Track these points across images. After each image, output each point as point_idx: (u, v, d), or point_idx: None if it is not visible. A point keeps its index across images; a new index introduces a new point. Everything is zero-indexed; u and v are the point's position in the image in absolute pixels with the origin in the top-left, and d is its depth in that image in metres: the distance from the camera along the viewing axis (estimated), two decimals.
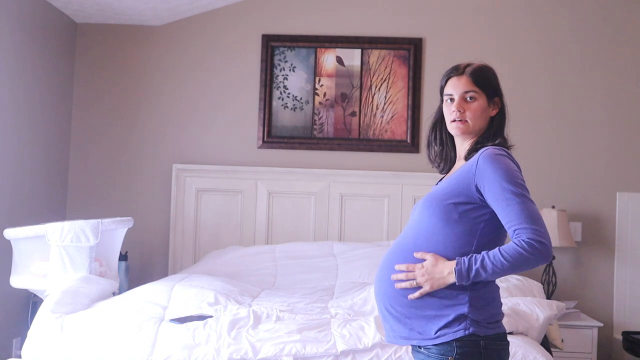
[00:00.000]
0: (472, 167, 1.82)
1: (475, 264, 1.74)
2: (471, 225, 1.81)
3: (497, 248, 1.76)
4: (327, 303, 3.23)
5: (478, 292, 1.79)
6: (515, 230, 1.74)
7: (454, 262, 1.77)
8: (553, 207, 4.18)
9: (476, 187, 1.80)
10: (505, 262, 1.72)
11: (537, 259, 1.71)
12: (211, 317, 2.78)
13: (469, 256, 1.77)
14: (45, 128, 4.24)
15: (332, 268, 3.91)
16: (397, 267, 1.83)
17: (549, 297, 4.08)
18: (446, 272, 1.76)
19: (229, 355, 2.48)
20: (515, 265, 1.72)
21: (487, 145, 1.86)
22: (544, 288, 3.98)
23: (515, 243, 1.72)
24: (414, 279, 1.80)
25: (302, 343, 2.52)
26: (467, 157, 1.89)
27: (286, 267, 3.93)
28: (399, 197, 4.36)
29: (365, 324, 2.65)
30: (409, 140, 4.41)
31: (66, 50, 4.48)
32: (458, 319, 1.77)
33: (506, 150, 1.85)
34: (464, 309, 1.77)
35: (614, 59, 4.40)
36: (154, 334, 2.61)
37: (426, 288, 1.78)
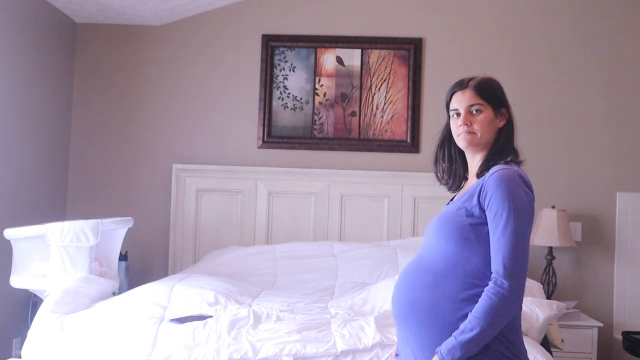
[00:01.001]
0: (481, 186, 1.78)
1: (453, 341, 1.69)
2: (488, 246, 1.75)
3: (469, 314, 1.70)
4: (327, 303, 3.23)
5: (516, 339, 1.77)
6: (493, 268, 1.71)
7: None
8: (553, 207, 4.18)
9: (480, 204, 1.77)
10: (481, 323, 1.67)
11: (505, 307, 1.67)
12: (211, 317, 2.78)
13: (447, 341, 1.71)
14: (45, 128, 4.24)
15: (332, 268, 3.91)
16: None
17: (549, 297, 4.08)
18: None
19: (229, 355, 2.48)
20: (491, 320, 1.67)
21: (498, 163, 1.82)
22: (544, 288, 3.98)
23: (482, 298, 1.69)
24: None
25: (302, 343, 2.52)
26: (480, 174, 1.85)
27: (286, 267, 3.93)
28: (399, 197, 4.36)
29: (365, 324, 2.65)
30: (409, 140, 4.41)
31: (66, 50, 4.48)
32: (480, 350, 1.72)
33: (519, 173, 1.79)
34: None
35: (614, 59, 4.40)
36: (154, 334, 2.61)
37: None
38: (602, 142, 4.38)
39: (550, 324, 3.11)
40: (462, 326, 1.69)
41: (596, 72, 4.41)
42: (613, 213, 4.33)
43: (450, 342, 1.70)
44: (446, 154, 2.00)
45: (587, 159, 4.38)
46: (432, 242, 1.85)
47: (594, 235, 4.34)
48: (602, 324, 3.99)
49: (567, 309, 3.92)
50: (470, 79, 1.92)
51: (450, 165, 1.99)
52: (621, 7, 4.41)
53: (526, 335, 2.80)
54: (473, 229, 1.77)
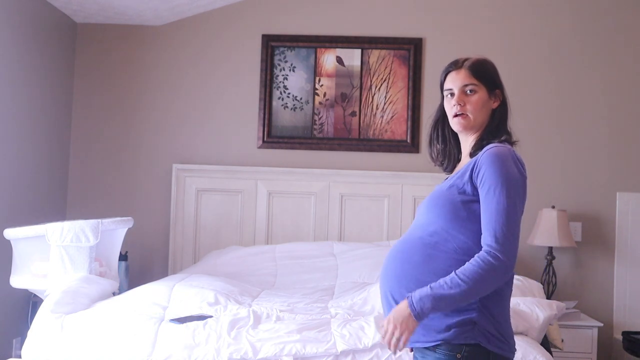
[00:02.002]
0: (474, 164, 1.78)
1: (426, 290, 1.68)
2: (479, 224, 1.76)
3: (453, 271, 1.70)
4: (327, 303, 3.23)
5: (488, 303, 1.75)
6: (484, 238, 1.71)
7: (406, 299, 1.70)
8: (553, 207, 4.18)
9: (472, 181, 1.77)
10: (462, 283, 1.66)
11: (493, 275, 1.67)
12: (211, 317, 2.78)
13: (421, 288, 1.70)
14: (45, 128, 4.24)
15: (332, 268, 3.91)
16: (379, 339, 1.75)
17: (549, 297, 4.08)
18: (406, 309, 1.69)
19: (229, 355, 2.48)
20: (474, 284, 1.66)
21: (492, 142, 1.83)
22: (544, 288, 3.98)
23: (471, 261, 1.69)
24: (392, 335, 1.70)
25: (302, 343, 2.52)
26: (473, 153, 1.86)
27: (286, 267, 3.93)
28: (399, 197, 4.36)
29: (365, 324, 2.65)
30: (409, 140, 4.41)
31: (66, 50, 4.48)
32: (466, 324, 1.73)
33: (513, 152, 1.80)
34: (472, 314, 1.73)
35: (614, 59, 4.40)
36: (154, 334, 2.61)
37: (406, 334, 1.69)
38: (602, 142, 4.38)
39: (550, 324, 3.11)
40: (441, 281, 1.69)
41: (596, 71, 4.41)
42: (613, 213, 4.33)
43: (424, 291, 1.69)
44: (440, 134, 2.00)
45: (587, 159, 4.38)
46: (422, 220, 1.86)
47: (594, 235, 4.34)
48: (602, 324, 3.99)
49: (567, 309, 3.92)
50: (465, 59, 1.92)
51: (445, 146, 2.00)
52: (621, 7, 4.41)
53: (526, 335, 2.80)
54: (464, 206, 1.78)
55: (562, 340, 3.57)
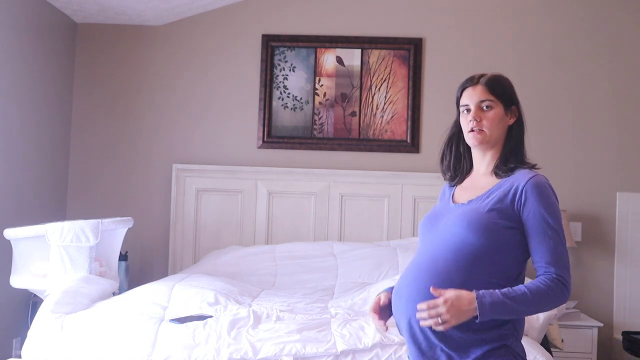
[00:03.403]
0: (515, 191, 1.79)
1: (498, 297, 1.67)
2: (518, 250, 1.78)
3: (522, 285, 1.72)
4: (327, 303, 3.23)
5: (519, 326, 1.77)
6: (545, 266, 1.73)
7: (474, 295, 1.66)
8: None
9: (514, 208, 1.78)
10: (531, 300, 1.68)
11: (557, 297, 1.71)
12: (211, 317, 2.78)
13: (490, 291, 1.68)
14: (45, 128, 4.24)
15: (332, 268, 3.91)
16: (419, 306, 1.69)
17: None
18: (469, 304, 1.65)
19: (229, 355, 2.48)
20: (539, 304, 1.70)
21: (520, 166, 1.86)
22: None
23: (541, 279, 1.72)
24: (438, 316, 1.65)
25: (302, 343, 2.52)
26: (500, 174, 1.86)
27: (286, 267, 3.93)
28: (399, 197, 4.36)
29: (365, 324, 2.65)
30: (409, 140, 4.41)
31: (66, 50, 4.48)
32: (501, 348, 1.73)
33: (547, 180, 1.84)
34: (509, 340, 1.75)
35: (615, 60, 4.40)
36: (154, 334, 2.61)
37: (452, 322, 1.66)
38: (602, 142, 4.38)
39: (550, 324, 3.11)
40: (511, 291, 1.68)
41: (596, 72, 4.40)
42: (613, 213, 4.33)
43: (496, 297, 1.67)
44: (454, 150, 2.00)
45: (587, 159, 4.38)
46: (453, 240, 1.79)
47: (594, 235, 4.34)
48: (602, 324, 3.99)
49: (567, 309, 3.92)
50: (482, 75, 1.93)
51: (458, 161, 1.99)
52: (625, 8, 4.41)
53: (526, 335, 2.80)
54: (506, 231, 1.77)
55: (562, 340, 3.57)
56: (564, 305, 3.14)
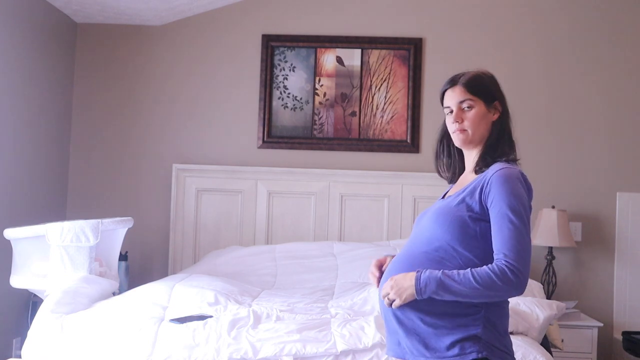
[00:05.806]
0: (483, 183, 1.80)
1: (436, 275, 1.72)
2: (487, 242, 1.78)
3: (469, 268, 1.73)
4: (327, 303, 3.23)
5: (492, 317, 1.77)
6: (498, 253, 1.73)
7: (415, 273, 1.75)
8: (553, 207, 4.18)
9: (482, 200, 1.79)
10: (473, 282, 1.69)
11: (506, 288, 1.69)
12: (211, 317, 2.78)
13: (431, 270, 1.74)
14: (45, 128, 4.24)
15: (332, 268, 3.91)
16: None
17: (549, 297, 4.08)
18: (410, 281, 1.74)
19: (229, 355, 2.48)
20: (484, 288, 1.69)
21: (497, 160, 1.85)
22: (544, 288, 3.98)
23: (490, 265, 1.71)
24: (386, 295, 1.77)
25: (302, 343, 2.52)
26: (478, 170, 1.88)
27: (286, 267, 3.93)
28: (399, 197, 4.36)
29: (365, 323, 2.65)
30: (409, 140, 4.41)
31: (66, 50, 4.48)
32: (471, 339, 1.73)
33: (520, 172, 1.82)
34: (477, 330, 1.74)
35: (614, 59, 4.40)
36: (154, 334, 2.61)
37: (397, 302, 1.75)
38: (602, 142, 4.38)
39: (550, 324, 3.11)
40: (454, 272, 1.72)
41: (596, 72, 4.40)
42: (613, 213, 4.33)
43: (434, 273, 1.73)
44: (445, 149, 2.04)
45: (587, 159, 4.38)
46: (426, 234, 1.86)
47: (594, 235, 4.34)
48: (602, 324, 3.98)
49: (567, 309, 3.92)
50: (461, 75, 1.94)
51: (450, 160, 2.03)
52: (621, 8, 4.41)
53: (526, 335, 2.80)
54: (473, 224, 1.79)
55: (562, 340, 3.57)
56: (564, 305, 3.14)
